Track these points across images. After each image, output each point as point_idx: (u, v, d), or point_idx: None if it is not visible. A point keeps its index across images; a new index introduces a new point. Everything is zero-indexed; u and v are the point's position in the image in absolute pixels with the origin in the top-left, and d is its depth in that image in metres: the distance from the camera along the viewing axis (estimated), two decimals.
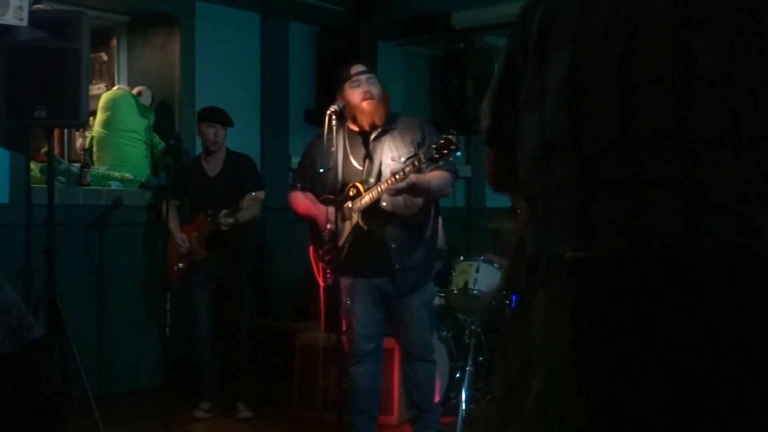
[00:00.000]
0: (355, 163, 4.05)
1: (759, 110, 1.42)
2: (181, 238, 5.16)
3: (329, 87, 6.41)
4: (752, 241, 1.39)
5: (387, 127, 4.08)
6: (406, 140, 4.01)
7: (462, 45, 6.96)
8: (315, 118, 6.13)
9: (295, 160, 6.43)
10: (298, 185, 4.30)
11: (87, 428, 4.31)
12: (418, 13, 6.80)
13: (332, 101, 4.14)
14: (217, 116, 5.30)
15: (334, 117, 4.03)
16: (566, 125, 1.53)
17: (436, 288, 4.53)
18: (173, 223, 5.23)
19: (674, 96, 1.43)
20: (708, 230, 1.40)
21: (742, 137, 1.42)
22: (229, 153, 5.35)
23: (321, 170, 4.13)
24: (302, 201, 4.25)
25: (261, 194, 5.02)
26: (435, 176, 3.99)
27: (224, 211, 5.02)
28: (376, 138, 4.07)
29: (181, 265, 5.19)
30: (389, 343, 4.95)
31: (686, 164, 1.41)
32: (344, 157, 4.05)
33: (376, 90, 4.05)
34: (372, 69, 4.20)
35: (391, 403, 4.90)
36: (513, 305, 5.18)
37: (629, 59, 1.47)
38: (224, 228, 5.03)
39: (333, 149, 4.01)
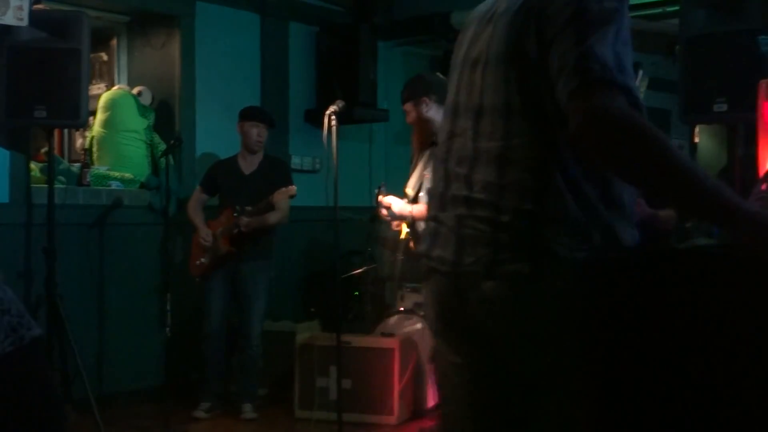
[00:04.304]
0: None
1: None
2: (205, 233, 5.15)
3: (329, 87, 6.46)
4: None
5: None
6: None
7: None
8: (315, 118, 6.13)
9: (296, 160, 6.48)
10: None
11: (87, 428, 4.31)
12: (418, 13, 6.79)
13: (332, 101, 4.15)
14: (262, 116, 5.31)
15: (333, 117, 4.05)
16: (445, 139, 1.88)
17: None
18: (198, 219, 5.23)
19: (504, 119, 1.72)
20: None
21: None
22: (267, 155, 5.36)
23: None
24: None
25: (293, 188, 4.99)
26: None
27: (249, 208, 4.99)
28: None
29: (203, 259, 5.17)
30: (390, 342, 4.96)
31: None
32: None
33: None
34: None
35: (391, 403, 4.90)
36: None
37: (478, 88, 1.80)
38: (243, 229, 5.01)
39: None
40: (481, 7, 1.93)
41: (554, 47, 1.62)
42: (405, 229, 4.33)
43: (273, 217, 5.14)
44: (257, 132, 5.26)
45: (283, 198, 5.01)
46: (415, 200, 4.27)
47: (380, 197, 4.30)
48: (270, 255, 5.31)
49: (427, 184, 4.17)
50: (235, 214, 5.06)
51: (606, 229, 1.65)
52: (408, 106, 4.29)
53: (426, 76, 4.57)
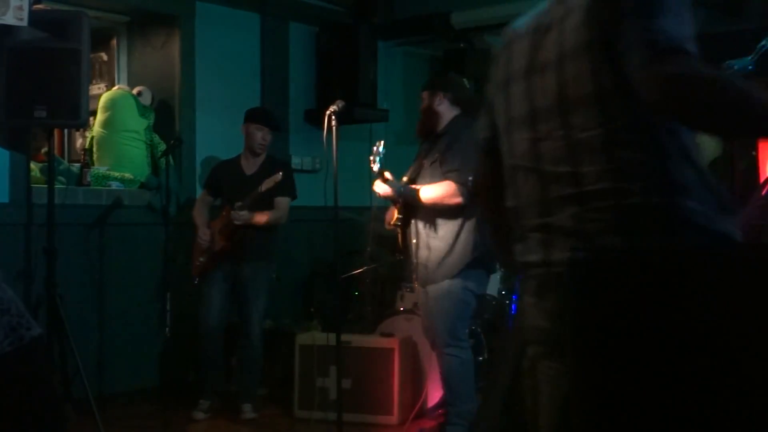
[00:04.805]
0: None
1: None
2: (203, 232, 5.17)
3: (329, 87, 6.46)
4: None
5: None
6: None
7: (462, 45, 6.96)
8: (315, 118, 6.13)
9: (296, 160, 6.48)
10: None
11: (87, 428, 4.31)
12: (418, 13, 6.79)
13: (332, 101, 4.16)
14: (268, 120, 5.30)
15: (333, 117, 4.06)
16: (528, 147, 1.87)
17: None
18: (200, 219, 5.24)
19: (594, 108, 1.72)
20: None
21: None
22: (270, 157, 5.34)
23: None
24: None
25: (278, 175, 4.96)
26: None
27: (238, 204, 4.98)
28: None
29: (202, 259, 5.17)
30: (390, 342, 4.96)
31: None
32: None
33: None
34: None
35: (391, 403, 4.90)
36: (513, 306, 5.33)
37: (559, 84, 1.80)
38: (237, 222, 5.00)
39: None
40: (527, 22, 1.95)
41: (621, 30, 1.66)
42: (396, 215, 4.45)
43: (269, 216, 5.13)
44: (261, 135, 5.24)
45: (269, 186, 4.97)
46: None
47: (379, 163, 4.37)
48: (271, 256, 5.30)
49: (425, 174, 4.41)
50: (233, 211, 5.06)
51: (720, 194, 1.69)
52: (425, 94, 4.56)
53: (452, 76, 4.99)
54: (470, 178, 4.25)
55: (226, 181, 5.28)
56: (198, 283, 5.22)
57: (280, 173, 4.98)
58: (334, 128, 4.07)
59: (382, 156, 4.38)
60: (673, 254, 1.51)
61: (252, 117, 5.32)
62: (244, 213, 4.99)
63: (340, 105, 4.15)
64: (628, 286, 1.48)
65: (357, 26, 6.47)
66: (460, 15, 6.65)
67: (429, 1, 6.77)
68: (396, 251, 4.85)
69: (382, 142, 4.42)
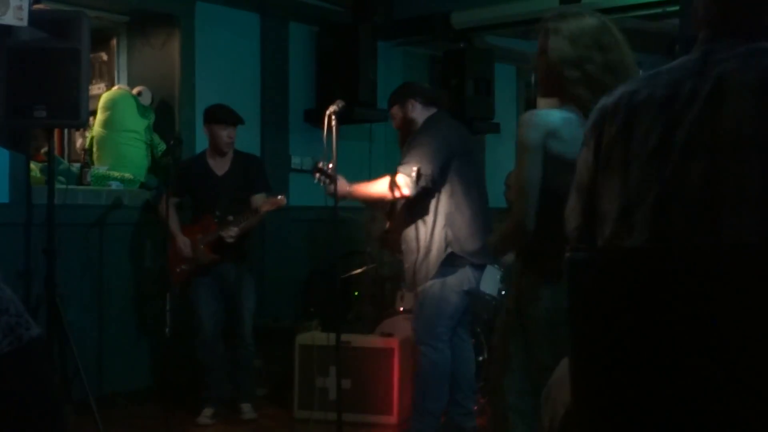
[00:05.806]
0: None
1: None
2: (183, 242, 5.08)
3: (329, 87, 6.46)
4: None
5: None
6: None
7: (462, 45, 6.96)
8: (315, 118, 6.13)
9: (296, 160, 6.48)
10: None
11: (87, 428, 4.31)
12: (418, 13, 6.80)
13: (332, 101, 4.16)
14: (230, 117, 5.19)
15: (333, 117, 4.06)
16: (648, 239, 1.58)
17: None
18: (174, 224, 5.14)
19: (761, 213, 1.47)
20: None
21: None
22: (237, 152, 5.27)
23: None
24: None
25: (282, 199, 4.98)
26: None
27: (231, 218, 4.97)
28: None
29: (184, 267, 5.11)
30: (390, 342, 4.96)
31: None
32: None
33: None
34: None
35: (390, 403, 4.90)
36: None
37: (713, 178, 1.52)
38: (229, 240, 4.99)
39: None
40: (649, 91, 1.65)
41: None
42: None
43: (255, 220, 5.12)
44: (227, 134, 5.14)
45: (270, 208, 4.99)
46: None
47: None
48: (253, 255, 5.31)
49: None
50: (216, 221, 5.04)
51: None
52: (395, 110, 4.52)
53: (411, 82, 4.97)
54: (414, 169, 4.22)
55: (197, 184, 5.19)
56: (182, 291, 5.18)
57: (283, 198, 5.00)
58: (334, 128, 4.07)
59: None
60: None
61: (212, 117, 5.19)
62: (235, 230, 5.00)
63: (340, 105, 4.15)
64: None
65: (357, 26, 6.46)
66: (460, 15, 6.66)
67: (429, 1, 6.77)
68: (396, 251, 4.86)
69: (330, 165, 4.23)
